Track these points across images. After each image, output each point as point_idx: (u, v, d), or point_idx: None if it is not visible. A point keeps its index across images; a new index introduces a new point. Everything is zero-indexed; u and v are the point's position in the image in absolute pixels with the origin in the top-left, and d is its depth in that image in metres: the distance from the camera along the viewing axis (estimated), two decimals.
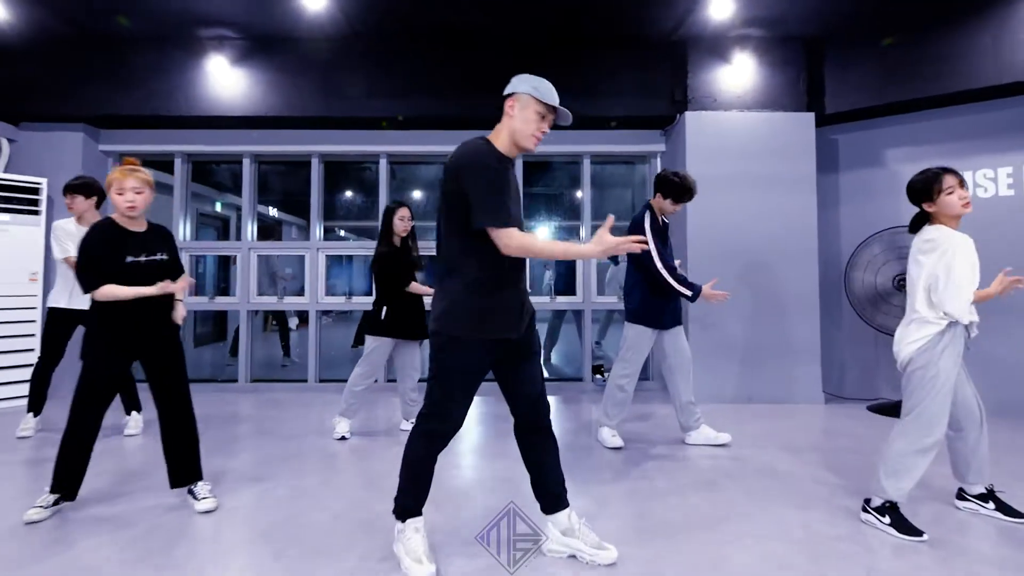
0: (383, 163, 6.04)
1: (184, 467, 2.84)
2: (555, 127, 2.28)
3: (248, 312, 5.99)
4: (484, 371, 2.23)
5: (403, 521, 2.27)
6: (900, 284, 4.95)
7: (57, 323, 4.02)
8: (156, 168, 6.53)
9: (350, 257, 8.22)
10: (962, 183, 2.57)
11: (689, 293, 3.63)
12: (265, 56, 5.40)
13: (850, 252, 5.29)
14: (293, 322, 8.09)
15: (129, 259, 2.66)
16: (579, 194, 6.12)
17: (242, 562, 2.33)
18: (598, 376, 5.94)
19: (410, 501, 2.27)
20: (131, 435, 4.09)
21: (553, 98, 2.17)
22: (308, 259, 6.01)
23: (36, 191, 5.19)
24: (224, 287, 7.34)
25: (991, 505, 2.74)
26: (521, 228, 2.19)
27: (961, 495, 2.85)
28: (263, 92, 5.41)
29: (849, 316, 5.40)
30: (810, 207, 5.24)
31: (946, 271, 2.46)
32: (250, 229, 6.10)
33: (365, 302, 5.80)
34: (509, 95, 2.20)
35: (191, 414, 2.87)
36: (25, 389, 4.22)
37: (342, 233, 9.86)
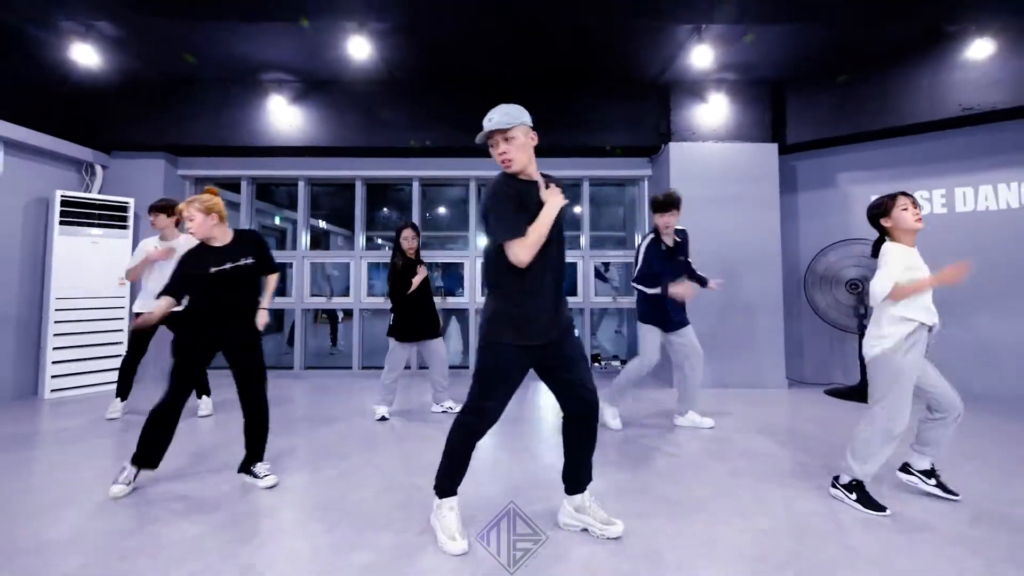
0: (415, 185, 5.90)
1: (255, 452, 2.73)
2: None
3: (302, 310, 5.85)
4: (519, 375, 2.06)
5: (440, 499, 2.13)
6: (851, 288, 4.79)
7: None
8: (226, 188, 6.43)
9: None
10: (915, 204, 2.48)
11: (657, 290, 3.48)
12: (317, 96, 5.26)
13: (808, 260, 5.15)
14: (340, 314, 7.99)
15: (213, 270, 2.58)
16: (577, 209, 5.98)
17: (299, 536, 2.20)
18: (596, 364, 5.78)
19: (447, 482, 2.14)
20: (204, 415, 3.96)
21: (486, 126, 1.99)
22: (352, 266, 5.88)
23: (124, 209, 5.06)
24: (281, 287, 7.22)
25: (932, 481, 2.56)
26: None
27: (906, 469, 2.62)
28: (315, 126, 5.27)
29: (807, 313, 5.23)
30: (774, 222, 5.08)
31: (882, 269, 2.41)
32: (303, 240, 5.96)
33: None
34: None
35: (266, 408, 2.74)
36: (115, 377, 4.09)
37: (379, 241, 9.68)
